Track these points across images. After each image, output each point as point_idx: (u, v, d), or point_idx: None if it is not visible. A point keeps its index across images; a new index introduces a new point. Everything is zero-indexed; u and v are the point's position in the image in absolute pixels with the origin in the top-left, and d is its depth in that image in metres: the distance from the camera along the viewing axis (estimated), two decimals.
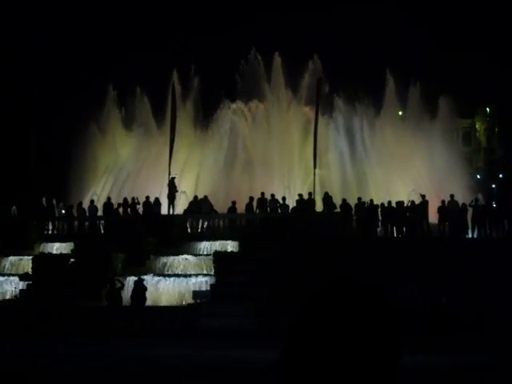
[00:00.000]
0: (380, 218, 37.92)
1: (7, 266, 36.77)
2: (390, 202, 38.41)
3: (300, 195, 40.16)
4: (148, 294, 31.84)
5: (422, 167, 48.58)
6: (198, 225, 39.25)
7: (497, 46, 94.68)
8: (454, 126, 58.49)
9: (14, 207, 42.95)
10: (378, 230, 38.08)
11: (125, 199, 41.76)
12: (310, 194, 40.36)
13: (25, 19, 75.54)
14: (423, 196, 38.92)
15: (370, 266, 31.02)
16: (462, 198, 41.03)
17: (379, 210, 38.04)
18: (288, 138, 49.80)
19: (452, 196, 39.05)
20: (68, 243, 37.00)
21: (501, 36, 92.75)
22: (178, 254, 36.10)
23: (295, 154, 49.04)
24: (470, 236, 37.83)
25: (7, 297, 34.22)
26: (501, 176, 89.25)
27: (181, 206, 42.26)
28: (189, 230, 39.07)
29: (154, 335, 27.96)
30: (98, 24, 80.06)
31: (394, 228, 38.08)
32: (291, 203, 40.33)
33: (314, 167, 42.54)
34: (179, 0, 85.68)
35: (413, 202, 38.54)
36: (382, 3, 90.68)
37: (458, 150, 60.36)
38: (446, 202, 38.61)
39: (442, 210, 38.21)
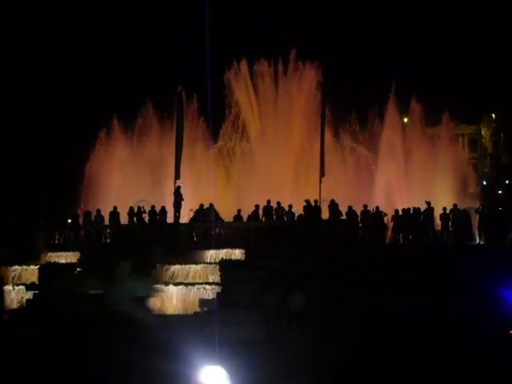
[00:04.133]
0: (387, 224, 37.93)
1: (13, 275, 36.81)
2: (408, 209, 38.31)
3: (307, 201, 40.06)
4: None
5: (427, 175, 48.55)
6: (203, 233, 39.26)
7: (503, 52, 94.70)
8: (458, 133, 58.49)
9: (18, 216, 42.92)
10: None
11: (131, 208, 41.80)
12: (315, 201, 40.26)
13: (27, 27, 75.83)
14: (428, 203, 38.91)
15: (378, 272, 30.95)
16: (468, 204, 40.81)
17: (385, 216, 38.08)
18: (294, 145, 49.83)
19: (455, 205, 39.01)
20: (74, 252, 37.03)
21: (506, 42, 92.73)
22: (184, 262, 36.09)
23: (301, 162, 49.02)
24: (477, 243, 37.72)
25: (14, 306, 34.21)
26: (507, 182, 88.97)
27: (186, 215, 42.20)
28: (195, 239, 39.09)
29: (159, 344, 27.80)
30: (103, 34, 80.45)
31: (401, 235, 38.09)
32: (297, 211, 40.26)
33: (321, 175, 42.43)
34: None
35: (418, 208, 38.54)
36: (386, 13, 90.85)
37: (464, 157, 60.38)
38: (448, 210, 38.51)
39: (443, 217, 38.25)
